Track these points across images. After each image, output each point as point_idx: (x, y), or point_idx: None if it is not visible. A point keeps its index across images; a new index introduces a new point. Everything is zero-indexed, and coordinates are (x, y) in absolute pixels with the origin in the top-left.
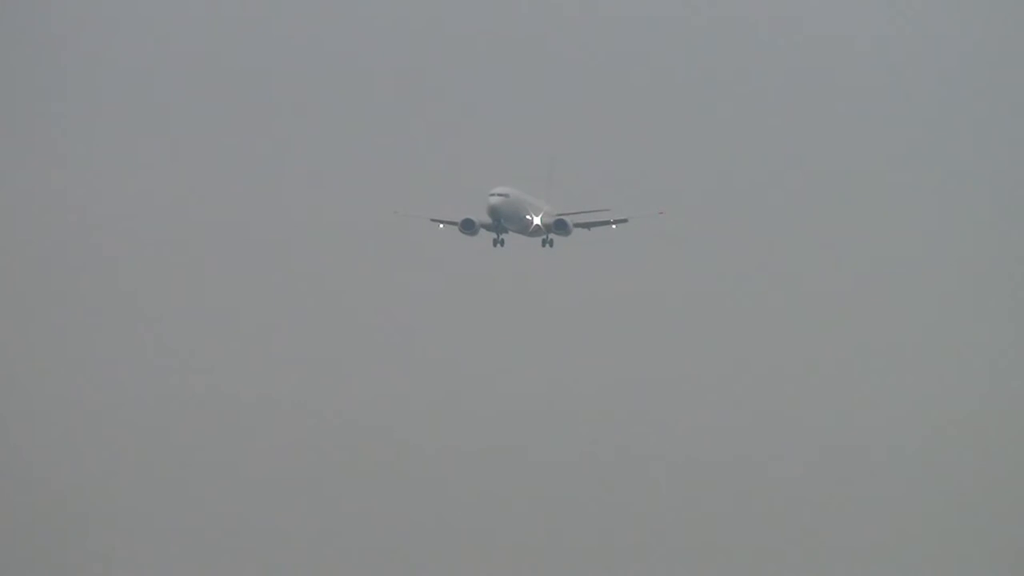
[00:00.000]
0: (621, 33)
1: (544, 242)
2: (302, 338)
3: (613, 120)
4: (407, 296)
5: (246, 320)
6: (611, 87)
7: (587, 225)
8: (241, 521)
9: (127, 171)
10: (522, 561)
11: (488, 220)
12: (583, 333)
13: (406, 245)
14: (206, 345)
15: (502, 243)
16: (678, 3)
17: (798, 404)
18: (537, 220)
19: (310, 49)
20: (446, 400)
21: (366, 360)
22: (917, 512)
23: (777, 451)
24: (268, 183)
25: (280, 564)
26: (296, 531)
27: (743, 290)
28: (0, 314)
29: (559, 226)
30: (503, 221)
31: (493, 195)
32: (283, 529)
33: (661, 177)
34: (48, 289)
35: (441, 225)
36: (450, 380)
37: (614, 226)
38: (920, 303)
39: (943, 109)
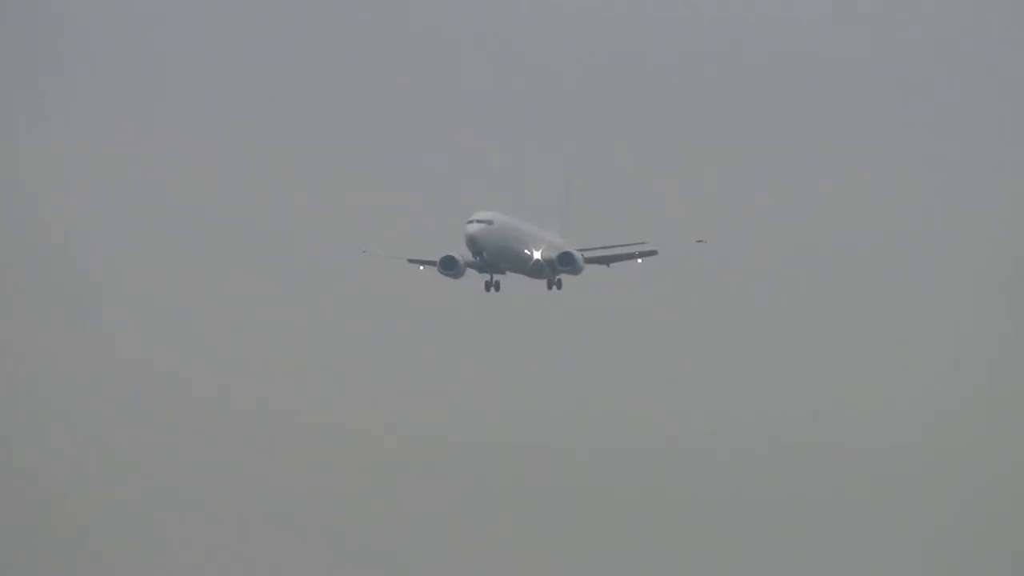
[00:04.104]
0: (645, 39)
1: (551, 283)
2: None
3: (639, 137)
4: (367, 354)
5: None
6: (635, 100)
7: (605, 260)
8: (240, 523)
9: (121, 175)
10: None
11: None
12: (591, 392)
13: (375, 291)
14: (203, 349)
15: (497, 287)
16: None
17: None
18: (537, 254)
19: (297, 53)
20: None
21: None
22: (918, 512)
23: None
24: (254, 191)
25: (280, 565)
26: (293, 534)
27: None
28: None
29: (564, 260)
30: (487, 256)
31: (472, 222)
32: (282, 531)
33: (699, 202)
34: (41, 291)
35: (421, 267)
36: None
37: (639, 260)
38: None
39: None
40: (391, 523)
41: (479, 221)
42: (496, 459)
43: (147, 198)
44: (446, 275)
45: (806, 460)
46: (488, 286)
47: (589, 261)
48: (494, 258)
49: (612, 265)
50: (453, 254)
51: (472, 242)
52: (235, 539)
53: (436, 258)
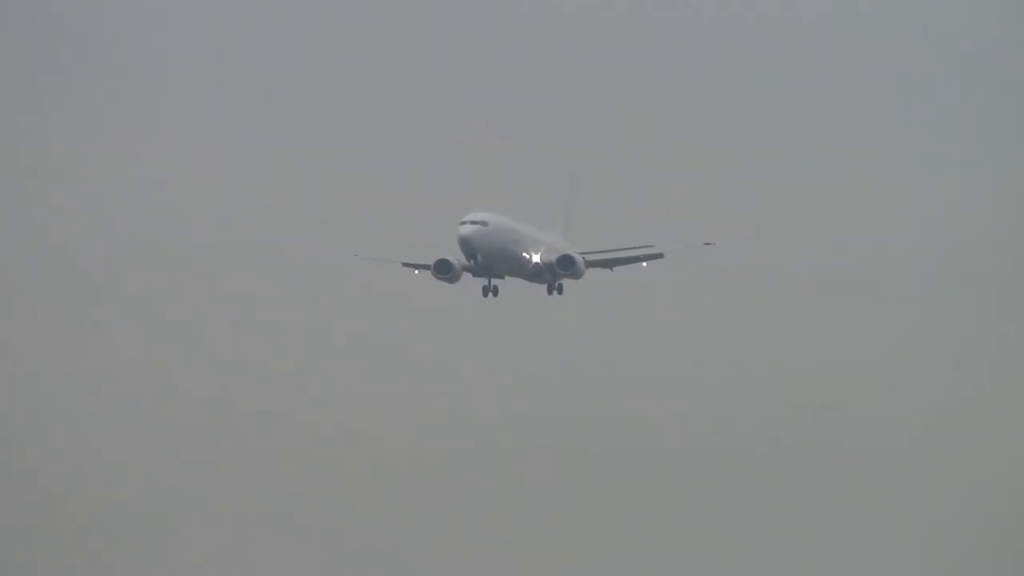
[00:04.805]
0: (645, 39)
1: (551, 288)
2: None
3: (641, 138)
4: (367, 355)
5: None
6: (636, 101)
7: (609, 264)
8: (240, 523)
9: (121, 175)
10: None
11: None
12: (591, 393)
13: (375, 292)
14: (202, 349)
15: (495, 291)
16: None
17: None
18: (536, 258)
19: (297, 53)
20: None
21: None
22: (918, 512)
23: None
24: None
25: (280, 565)
26: (293, 534)
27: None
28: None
29: (564, 263)
30: (482, 259)
31: (465, 223)
32: (282, 531)
33: (702, 204)
34: (41, 291)
35: (416, 271)
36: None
37: (645, 264)
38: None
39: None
40: (391, 523)
41: (473, 222)
42: (496, 459)
43: (147, 198)
44: (441, 279)
45: (806, 460)
46: (485, 291)
47: (592, 264)
48: (490, 261)
49: (615, 269)
50: (448, 257)
51: (465, 244)
52: (235, 539)
53: (431, 261)
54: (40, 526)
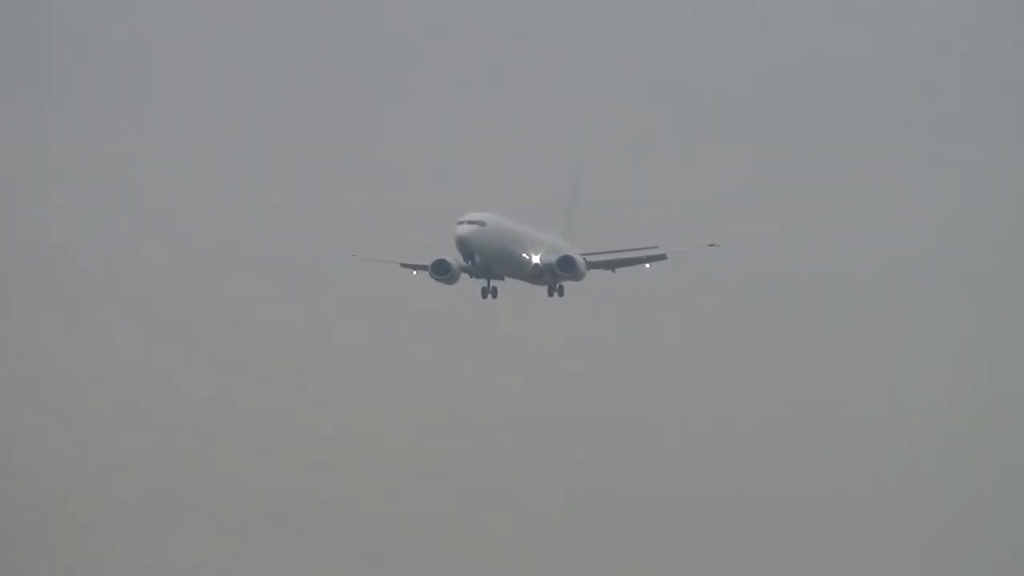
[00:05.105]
0: (652, 36)
1: (551, 290)
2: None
3: (643, 138)
4: (367, 355)
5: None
6: (642, 96)
7: (610, 265)
8: (240, 523)
9: (121, 175)
10: None
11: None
12: (591, 393)
13: (376, 292)
14: (202, 349)
15: (494, 293)
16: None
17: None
18: (536, 258)
19: (297, 53)
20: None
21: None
22: (918, 512)
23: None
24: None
25: (280, 565)
26: (293, 534)
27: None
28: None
29: (564, 265)
30: (479, 259)
31: (463, 223)
32: (282, 531)
33: (709, 203)
34: (41, 291)
35: (414, 272)
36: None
37: (648, 265)
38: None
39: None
40: (391, 523)
41: (471, 222)
42: (496, 459)
43: (146, 198)
44: (438, 280)
45: (806, 460)
46: (484, 292)
47: (594, 266)
48: (488, 262)
49: (617, 270)
50: (446, 258)
51: (463, 244)
52: (235, 539)
53: (429, 262)
54: (40, 526)
